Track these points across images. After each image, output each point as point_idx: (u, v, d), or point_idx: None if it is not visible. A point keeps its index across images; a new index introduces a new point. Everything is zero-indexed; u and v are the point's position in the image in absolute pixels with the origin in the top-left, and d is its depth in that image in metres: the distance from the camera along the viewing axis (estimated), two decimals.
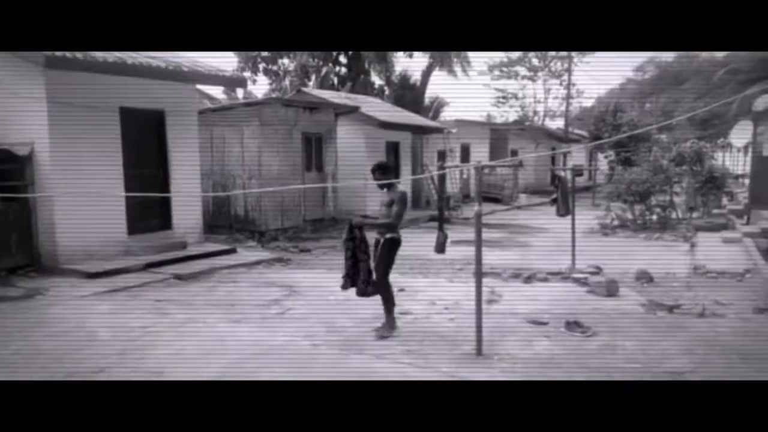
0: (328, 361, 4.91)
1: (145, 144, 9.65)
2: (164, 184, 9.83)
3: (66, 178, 8.16)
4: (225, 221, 12.52)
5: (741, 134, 15.50)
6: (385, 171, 5.87)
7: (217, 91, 22.56)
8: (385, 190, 5.79)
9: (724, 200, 15.65)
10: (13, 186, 8.06)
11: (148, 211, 9.66)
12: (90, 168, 8.31)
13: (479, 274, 5.17)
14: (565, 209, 8.65)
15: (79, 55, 7.89)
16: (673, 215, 14.77)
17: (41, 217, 8.38)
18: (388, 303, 5.76)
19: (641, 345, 5.44)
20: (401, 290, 7.26)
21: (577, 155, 30.15)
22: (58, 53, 7.60)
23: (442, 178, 14.65)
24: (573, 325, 5.90)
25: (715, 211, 14.77)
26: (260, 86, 28.94)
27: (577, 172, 9.58)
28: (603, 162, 28.31)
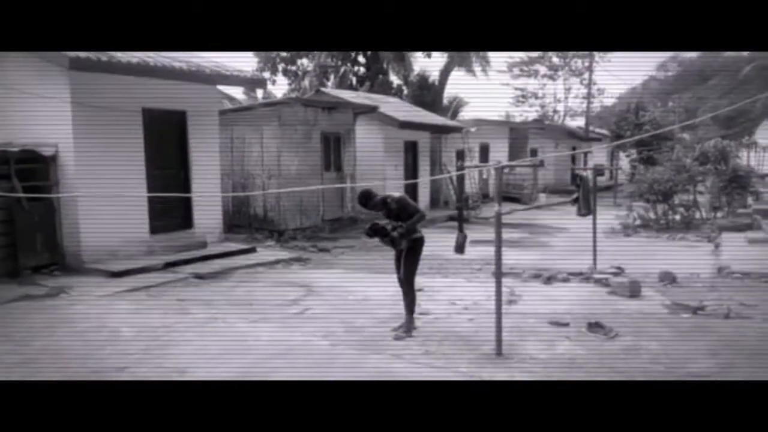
0: (347, 361, 4.91)
1: (166, 144, 9.75)
2: (185, 184, 9.93)
3: (90, 179, 8.28)
4: (244, 221, 12.61)
5: (767, 132, 15.19)
6: (369, 198, 5.72)
7: (237, 92, 22.75)
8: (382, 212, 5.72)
9: (749, 200, 15.35)
10: (38, 186, 8.20)
11: (170, 211, 9.77)
12: (113, 168, 8.43)
13: (499, 275, 5.13)
14: (586, 209, 8.55)
15: (102, 56, 8.01)
16: (697, 215, 14.54)
17: (66, 217, 8.51)
18: (412, 304, 5.75)
19: (664, 347, 5.35)
20: (420, 290, 7.23)
21: (598, 154, 29.83)
22: (82, 55, 7.72)
23: (461, 179, 14.58)
24: (595, 327, 5.83)
25: (740, 210, 14.48)
26: (280, 87, 29.14)
27: (598, 171, 9.46)
28: (624, 161, 27.96)
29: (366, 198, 5.67)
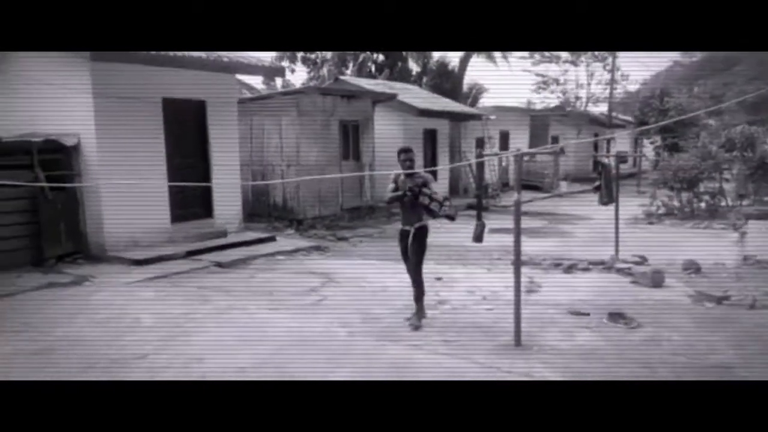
0: (365, 351, 4.92)
1: (186, 134, 9.81)
2: (205, 174, 9.99)
3: (112, 168, 8.38)
4: (264, 210, 12.67)
5: None
6: (410, 153, 5.69)
7: (256, 81, 22.79)
8: (404, 180, 5.64)
9: None
10: (61, 176, 8.32)
11: (190, 200, 9.85)
12: (134, 158, 8.51)
13: (518, 264, 5.08)
14: (608, 197, 8.41)
15: None
16: (722, 203, 14.25)
17: (89, 206, 8.64)
18: (421, 292, 5.73)
19: (687, 338, 5.26)
20: (439, 279, 7.21)
21: (622, 141, 29.30)
22: None
23: (480, 166, 14.46)
24: (616, 317, 5.75)
25: (767, 198, 14.15)
26: (299, 75, 29.15)
27: (621, 158, 9.29)
28: (649, 148, 27.47)
29: (408, 152, 5.64)
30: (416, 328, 5.53)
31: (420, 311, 5.71)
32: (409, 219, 5.69)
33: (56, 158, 8.39)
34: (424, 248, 5.69)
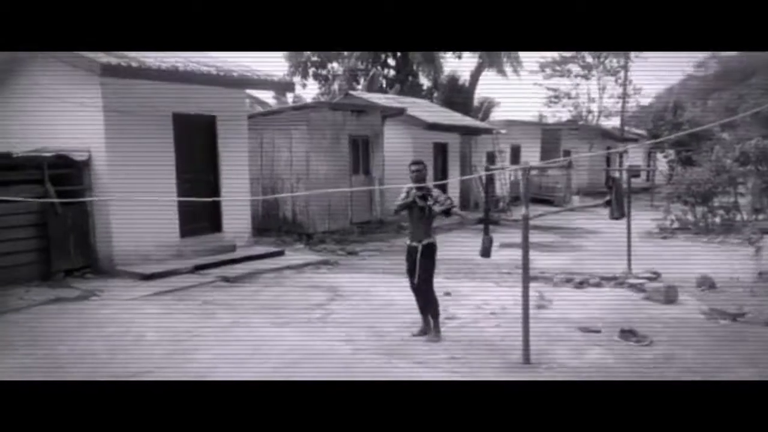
0: (369, 368, 4.83)
1: (196, 149, 9.85)
2: (215, 188, 10.02)
3: (121, 183, 8.42)
4: (274, 224, 12.66)
5: None
6: (423, 168, 5.74)
7: (267, 96, 22.97)
8: (414, 190, 5.62)
9: None
10: (71, 190, 8.38)
11: (199, 215, 9.85)
12: (144, 173, 8.54)
13: (526, 280, 4.99)
14: (619, 212, 8.30)
15: (133, 63, 8.15)
16: (738, 217, 14.02)
17: (98, 221, 8.67)
18: (436, 308, 5.66)
19: (701, 355, 5.12)
20: (447, 294, 7.12)
21: (635, 155, 29.08)
22: (113, 61, 7.86)
23: (490, 180, 14.38)
24: (628, 334, 5.62)
25: None
26: (310, 90, 29.34)
27: (633, 172, 9.18)
28: (662, 162, 27.23)
29: (418, 163, 5.68)
30: (432, 341, 5.52)
31: (437, 326, 5.66)
32: (417, 234, 5.63)
33: (66, 173, 8.45)
34: (433, 265, 5.64)
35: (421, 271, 5.55)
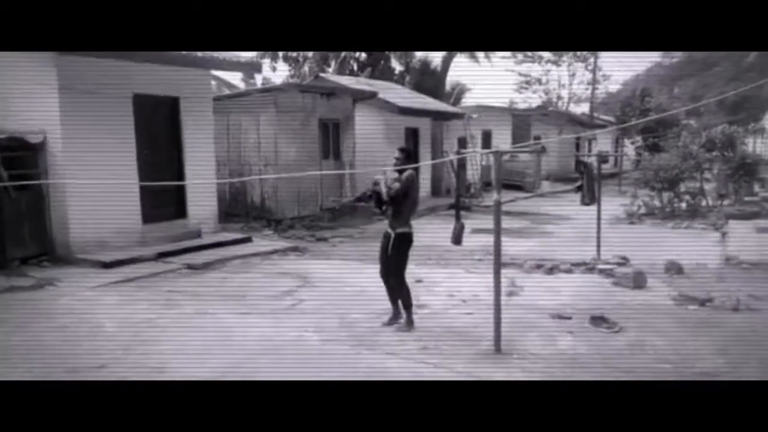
0: (338, 359, 4.69)
1: (159, 132, 9.49)
2: (179, 172, 9.68)
3: (79, 167, 8.04)
4: (242, 210, 12.38)
5: None
6: (408, 156, 5.64)
7: (236, 79, 22.43)
8: (395, 176, 5.50)
9: (756, 187, 15.06)
10: (26, 174, 7.98)
11: (163, 200, 9.52)
12: (103, 156, 8.16)
13: (498, 268, 4.88)
14: (590, 197, 8.29)
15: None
16: (703, 203, 14.26)
17: (54, 206, 8.29)
18: (407, 299, 5.51)
19: (672, 343, 5.12)
20: (418, 281, 7.00)
21: (603, 141, 29.39)
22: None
23: (461, 165, 14.28)
24: (598, 321, 5.59)
25: (747, 198, 14.20)
26: (280, 73, 28.77)
27: (602, 158, 9.18)
28: (629, 148, 27.60)
29: (402, 151, 5.56)
30: (401, 330, 5.41)
31: (409, 318, 5.51)
32: (391, 221, 5.48)
33: (20, 156, 8.05)
34: (403, 257, 5.44)
35: (391, 264, 5.39)
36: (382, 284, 5.61)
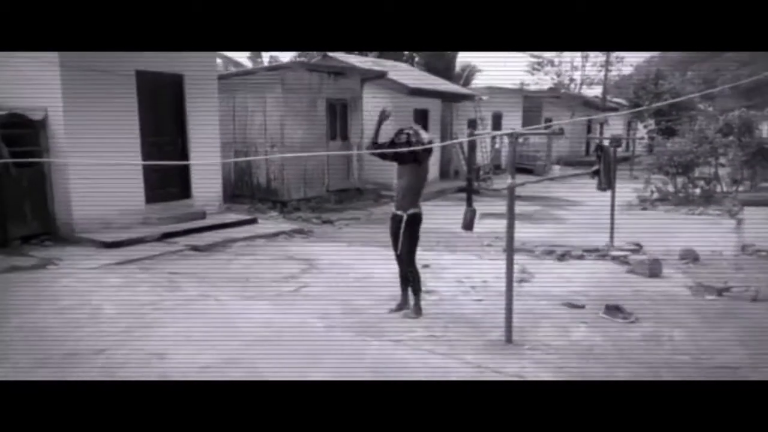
0: (343, 347, 4.52)
1: (162, 110, 9.30)
2: (183, 152, 9.51)
3: (81, 145, 7.88)
4: (247, 191, 12.21)
5: None
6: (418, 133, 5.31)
7: (242, 57, 22.14)
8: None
9: None
10: (27, 152, 7.83)
11: (167, 180, 9.37)
12: (106, 134, 8.01)
13: (510, 256, 4.68)
14: (607, 182, 8.02)
15: None
16: (718, 188, 13.97)
17: (56, 185, 8.15)
18: (417, 283, 5.35)
19: (690, 334, 4.92)
20: (426, 266, 6.81)
21: (614, 124, 28.92)
22: None
23: (471, 148, 14.00)
24: (613, 310, 5.39)
25: (763, 184, 13.88)
26: (288, 52, 28.36)
27: (617, 142, 8.90)
28: (642, 132, 27.15)
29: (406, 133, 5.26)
30: (408, 317, 5.26)
31: (417, 303, 5.34)
32: (401, 203, 5.26)
33: (21, 133, 7.88)
34: (416, 237, 5.29)
35: (404, 244, 5.21)
36: (390, 269, 5.44)
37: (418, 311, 5.30)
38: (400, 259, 5.36)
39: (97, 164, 7.61)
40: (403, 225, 5.19)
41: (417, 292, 5.36)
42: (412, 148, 5.02)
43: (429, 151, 5.25)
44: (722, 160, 14.55)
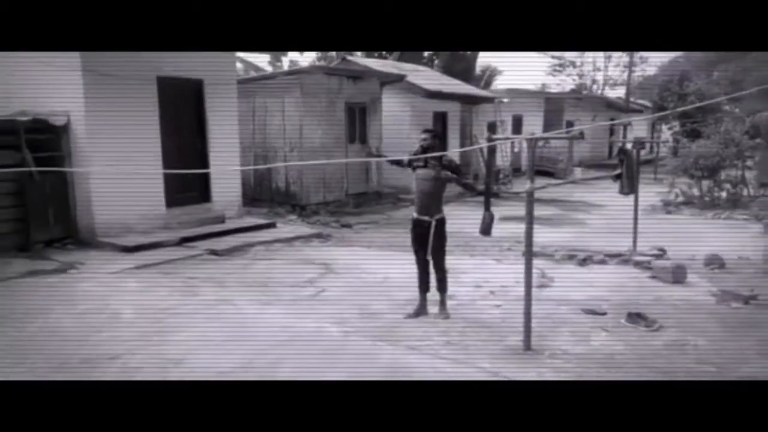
0: (358, 353, 4.48)
1: (182, 114, 9.37)
2: (202, 157, 9.57)
3: (102, 150, 7.99)
4: (266, 195, 12.25)
5: None
6: (435, 137, 5.44)
7: (262, 61, 22.27)
8: (422, 163, 5.30)
9: None
10: (50, 157, 7.94)
11: (187, 184, 9.42)
12: (127, 139, 8.11)
13: (529, 261, 4.60)
14: (629, 187, 7.87)
15: None
16: (744, 192, 13.64)
17: (78, 190, 8.26)
18: (445, 283, 5.48)
19: (715, 343, 4.78)
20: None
21: (638, 126, 28.51)
22: None
23: (491, 152, 13.87)
24: (636, 317, 5.27)
25: None
26: (307, 55, 28.52)
27: (640, 145, 8.74)
28: (666, 134, 26.70)
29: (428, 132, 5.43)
30: (446, 318, 5.36)
31: (444, 303, 5.48)
32: (427, 208, 5.29)
33: (45, 138, 7.99)
34: (446, 237, 5.42)
35: (436, 250, 5.30)
36: (407, 272, 5.47)
37: (443, 309, 5.41)
38: (423, 263, 5.39)
39: (116, 175, 7.72)
40: (432, 230, 5.22)
41: (444, 291, 5.46)
42: (449, 176, 5.27)
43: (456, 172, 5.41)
44: (749, 162, 14.23)
